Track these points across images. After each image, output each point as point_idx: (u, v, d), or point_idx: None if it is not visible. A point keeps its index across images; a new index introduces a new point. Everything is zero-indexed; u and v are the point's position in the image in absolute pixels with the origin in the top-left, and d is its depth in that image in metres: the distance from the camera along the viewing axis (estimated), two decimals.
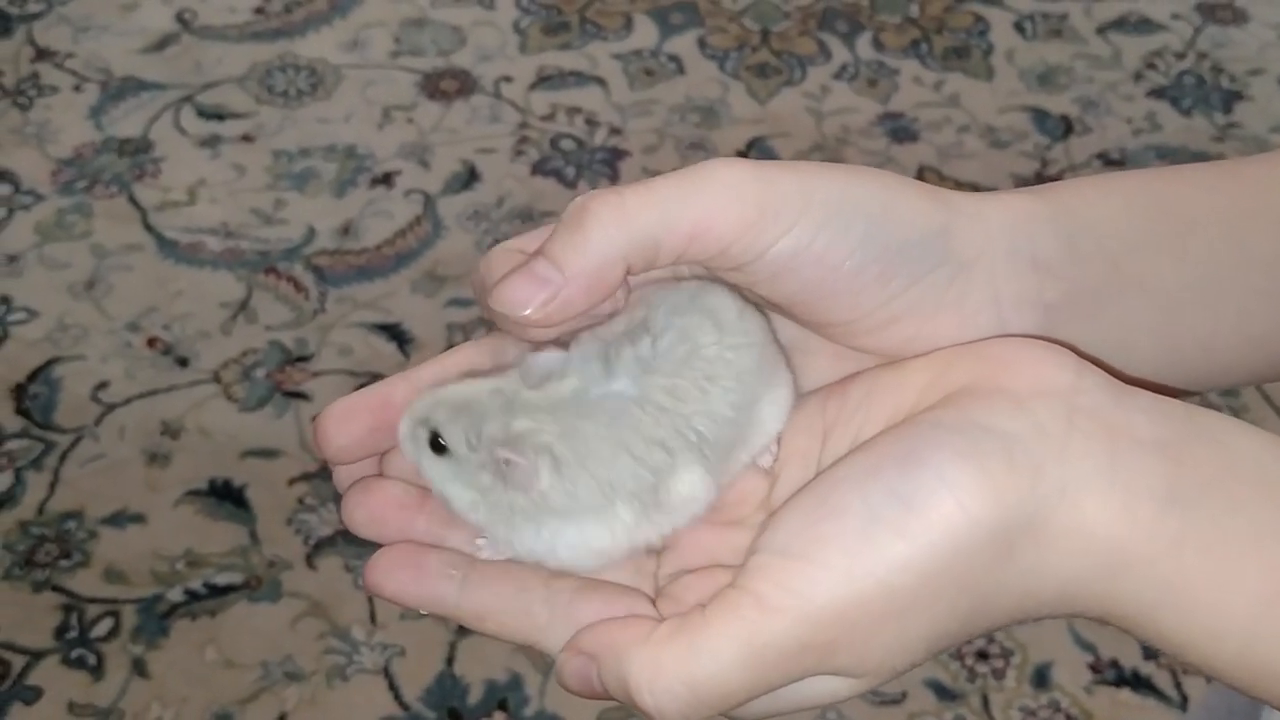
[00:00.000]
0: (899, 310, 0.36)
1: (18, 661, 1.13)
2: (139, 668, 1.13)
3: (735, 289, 0.38)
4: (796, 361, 0.39)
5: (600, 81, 1.67)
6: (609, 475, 0.36)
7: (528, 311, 0.34)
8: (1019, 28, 1.77)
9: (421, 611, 0.37)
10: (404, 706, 1.12)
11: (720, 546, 0.37)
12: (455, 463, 0.37)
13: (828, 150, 1.58)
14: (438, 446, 0.37)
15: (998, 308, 0.37)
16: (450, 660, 1.14)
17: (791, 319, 0.38)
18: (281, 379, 1.33)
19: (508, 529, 0.37)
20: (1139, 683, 1.15)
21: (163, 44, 1.69)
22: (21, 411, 1.30)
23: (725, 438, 0.37)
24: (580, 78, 1.67)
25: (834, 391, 0.38)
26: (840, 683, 0.34)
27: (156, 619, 1.16)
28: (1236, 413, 1.25)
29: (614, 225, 0.34)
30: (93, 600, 1.17)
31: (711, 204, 0.34)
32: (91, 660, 1.13)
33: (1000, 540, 0.32)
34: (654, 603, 0.36)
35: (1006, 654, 1.17)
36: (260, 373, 1.34)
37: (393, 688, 1.13)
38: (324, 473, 1.23)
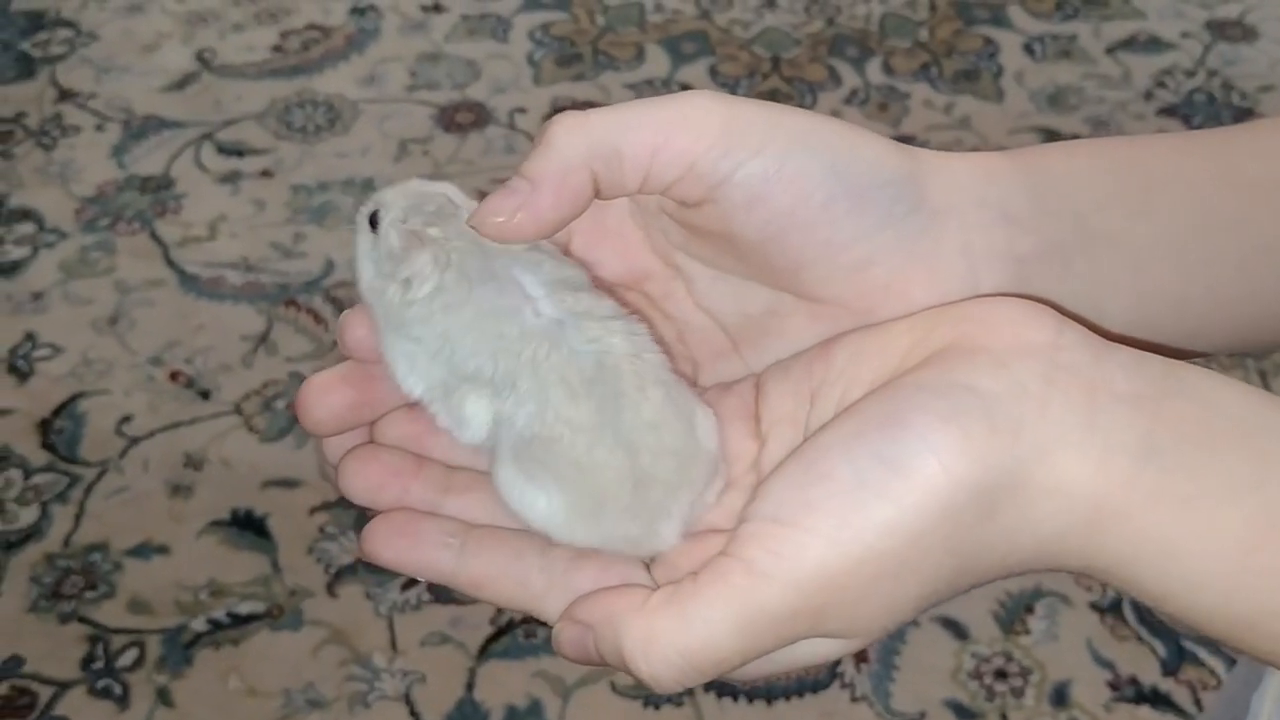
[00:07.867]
0: (872, 253, 0.37)
1: (45, 692, 1.15)
2: (163, 697, 1.14)
3: None
4: (772, 325, 0.39)
5: None
6: (461, 338, 0.37)
7: (500, 219, 0.36)
8: (1028, 49, 1.78)
9: (420, 579, 0.38)
10: None
11: (713, 510, 0.37)
12: (376, 240, 0.39)
13: None
14: (373, 223, 0.39)
15: (969, 259, 0.37)
16: (470, 686, 1.15)
17: (767, 268, 0.38)
18: None
19: (381, 325, 0.38)
20: (1158, 700, 1.15)
21: (183, 83, 1.72)
22: (47, 446, 1.32)
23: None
24: (594, 108, 1.69)
25: (818, 355, 0.38)
26: (832, 643, 0.34)
27: (180, 649, 1.17)
28: None
29: (576, 132, 0.36)
30: (118, 631, 1.18)
31: (675, 118, 0.36)
32: (117, 690, 1.15)
33: (983, 500, 0.32)
34: (649, 569, 0.37)
35: (1025, 672, 1.17)
36: (281, 404, 1.35)
37: (414, 714, 1.13)
38: (344, 502, 1.23)
